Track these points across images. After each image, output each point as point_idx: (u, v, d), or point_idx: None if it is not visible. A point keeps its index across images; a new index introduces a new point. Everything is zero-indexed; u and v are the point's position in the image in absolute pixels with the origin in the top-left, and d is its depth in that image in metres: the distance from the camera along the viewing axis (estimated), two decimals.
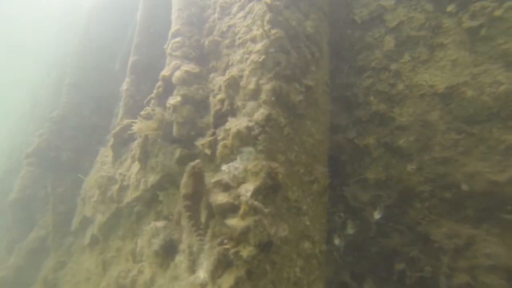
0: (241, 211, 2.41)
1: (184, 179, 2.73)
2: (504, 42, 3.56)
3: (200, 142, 3.10)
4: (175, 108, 3.31)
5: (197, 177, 2.72)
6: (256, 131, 2.68)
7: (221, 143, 2.84)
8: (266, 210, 2.36)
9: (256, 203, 2.37)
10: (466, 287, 3.12)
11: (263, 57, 2.98)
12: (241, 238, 2.33)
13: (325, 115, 3.58)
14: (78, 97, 6.82)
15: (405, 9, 4.46)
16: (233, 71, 3.25)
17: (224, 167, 2.72)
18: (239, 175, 2.60)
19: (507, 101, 3.37)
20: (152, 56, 5.08)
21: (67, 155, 6.51)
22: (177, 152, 3.32)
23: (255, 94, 2.93)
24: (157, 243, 3.17)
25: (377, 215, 3.73)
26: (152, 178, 3.64)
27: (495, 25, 3.63)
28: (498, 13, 3.62)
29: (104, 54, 7.04)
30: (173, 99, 3.38)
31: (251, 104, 2.88)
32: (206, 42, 3.83)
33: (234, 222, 2.40)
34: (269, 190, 2.48)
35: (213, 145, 3.04)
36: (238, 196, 2.50)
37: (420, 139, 3.92)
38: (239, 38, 3.45)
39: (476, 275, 3.12)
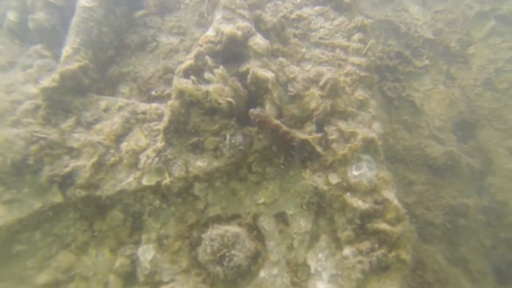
0: (392, 217, 2.55)
1: None
2: None
3: (305, 136, 2.78)
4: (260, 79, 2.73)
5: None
6: (379, 142, 2.87)
7: (348, 146, 2.75)
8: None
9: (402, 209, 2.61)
10: None
11: (364, 74, 3.18)
12: (398, 242, 2.49)
13: None
14: None
15: None
16: (323, 71, 3.16)
17: (355, 172, 2.68)
18: (373, 181, 2.69)
19: None
20: None
21: None
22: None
23: (362, 105, 3.07)
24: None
25: None
26: (202, 163, 2.66)
27: None
28: None
29: None
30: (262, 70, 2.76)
31: (363, 115, 3.01)
32: (268, 18, 3.35)
33: (387, 228, 2.51)
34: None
35: (322, 142, 2.83)
36: (381, 202, 2.60)
37: None
38: (320, 38, 3.38)
39: None
